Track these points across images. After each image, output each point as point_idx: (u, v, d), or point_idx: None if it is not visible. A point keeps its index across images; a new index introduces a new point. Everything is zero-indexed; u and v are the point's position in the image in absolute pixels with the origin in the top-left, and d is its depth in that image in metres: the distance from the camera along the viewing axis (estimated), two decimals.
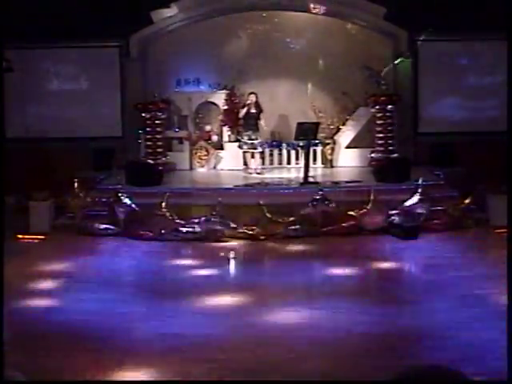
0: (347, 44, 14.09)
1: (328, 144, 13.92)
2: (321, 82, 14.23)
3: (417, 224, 10.27)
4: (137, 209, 10.55)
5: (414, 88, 14.16)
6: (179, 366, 5.67)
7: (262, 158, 13.65)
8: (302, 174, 12.03)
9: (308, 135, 12.29)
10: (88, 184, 11.67)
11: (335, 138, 14.07)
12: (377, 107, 13.69)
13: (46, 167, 13.21)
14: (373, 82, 13.85)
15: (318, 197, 10.48)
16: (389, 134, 13.66)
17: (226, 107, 13.97)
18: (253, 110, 13.05)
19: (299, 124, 12.38)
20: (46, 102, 14.09)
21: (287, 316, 6.84)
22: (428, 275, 8.25)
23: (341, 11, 14.13)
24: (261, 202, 10.28)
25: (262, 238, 10.03)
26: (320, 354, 5.94)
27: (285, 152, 13.98)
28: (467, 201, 10.81)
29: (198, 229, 10.16)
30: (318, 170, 13.43)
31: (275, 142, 13.99)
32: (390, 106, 13.65)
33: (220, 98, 14.05)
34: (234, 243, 9.91)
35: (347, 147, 14.18)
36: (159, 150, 13.57)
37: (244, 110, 13.09)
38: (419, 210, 10.45)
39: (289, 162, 13.99)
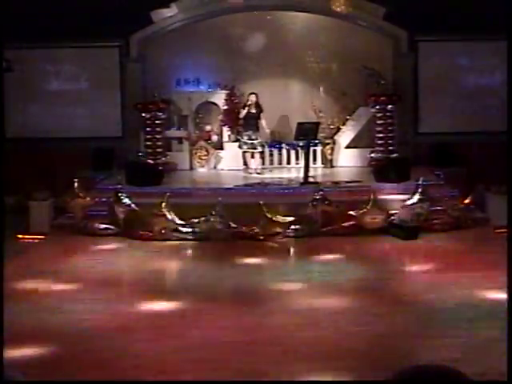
0: (347, 44, 14.09)
1: (328, 144, 13.91)
2: (321, 82, 14.23)
3: (417, 224, 10.27)
4: (137, 209, 10.55)
5: (413, 88, 14.15)
6: (179, 366, 5.67)
7: (262, 158, 13.65)
8: (302, 174, 12.03)
9: (308, 135, 12.29)
10: (88, 184, 11.67)
11: (335, 138, 14.07)
12: (377, 107, 13.69)
13: (46, 167, 13.21)
14: (373, 82, 13.86)
15: (318, 197, 10.48)
16: (389, 134, 13.67)
17: (226, 107, 13.97)
18: (253, 110, 13.06)
19: (299, 124, 12.38)
20: (46, 102, 14.08)
21: (287, 316, 6.84)
22: (428, 275, 8.25)
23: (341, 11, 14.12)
24: (261, 202, 10.27)
25: (262, 238, 10.03)
26: (320, 354, 5.94)
27: (285, 152, 13.98)
28: (467, 201, 10.81)
29: (197, 229, 10.16)
30: (318, 170, 13.43)
31: (275, 142, 14.00)
32: (390, 106, 13.65)
33: (220, 98, 14.05)
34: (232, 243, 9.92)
35: (347, 147, 14.18)
36: (159, 149, 13.59)
37: (244, 111, 13.09)
38: (419, 210, 10.45)
39: (289, 162, 13.99)
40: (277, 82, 14.12)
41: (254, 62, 14.15)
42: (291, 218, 10.24)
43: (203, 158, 13.97)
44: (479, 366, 5.29)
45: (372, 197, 10.48)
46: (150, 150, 13.52)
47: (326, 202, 10.45)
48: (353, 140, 14.19)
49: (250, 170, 13.25)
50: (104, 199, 10.99)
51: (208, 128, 14.18)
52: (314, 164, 13.53)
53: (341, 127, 14.19)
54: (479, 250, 9.44)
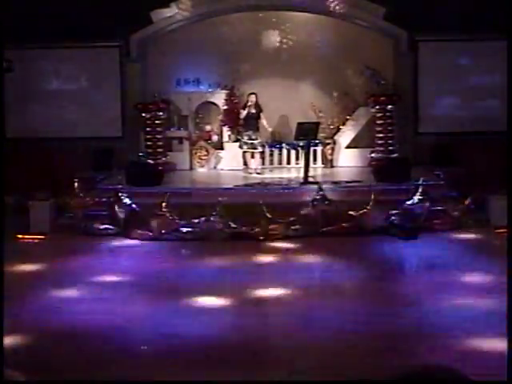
0: (347, 44, 14.09)
1: (328, 144, 13.92)
2: (321, 81, 14.24)
3: (417, 224, 10.26)
4: (137, 209, 10.55)
5: (413, 88, 14.15)
6: (179, 366, 5.67)
7: (262, 158, 13.65)
8: (302, 174, 12.03)
9: (308, 135, 12.29)
10: (88, 184, 11.67)
11: (335, 138, 14.07)
12: (377, 107, 13.70)
13: (46, 167, 13.21)
14: (373, 82, 13.86)
15: (318, 197, 10.48)
16: (389, 134, 13.67)
17: (226, 107, 13.97)
18: (253, 111, 13.06)
19: (299, 124, 12.38)
20: (46, 102, 14.08)
21: (287, 316, 6.84)
22: (428, 275, 8.25)
23: (341, 11, 14.12)
24: (261, 202, 10.27)
25: (262, 238, 10.03)
26: (320, 354, 5.94)
27: (285, 152, 13.98)
28: (467, 201, 10.81)
29: (197, 229, 10.16)
30: (318, 170, 13.43)
31: (275, 142, 14.00)
32: (390, 106, 13.66)
33: (220, 98, 14.05)
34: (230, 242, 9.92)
35: (347, 147, 14.18)
36: (159, 149, 13.59)
37: (245, 112, 13.10)
38: (419, 210, 10.45)
39: (289, 162, 14.00)
40: (277, 82, 14.12)
41: (254, 62, 14.15)
42: (291, 218, 10.24)
43: (203, 157, 13.98)
44: (479, 366, 5.29)
45: (372, 197, 10.48)
46: (150, 150, 13.53)
47: (326, 202, 10.45)
48: (353, 140, 14.19)
49: (250, 170, 13.26)
50: (104, 199, 11.00)
51: (208, 128, 14.18)
52: (314, 164, 13.54)
53: (341, 127, 14.19)
54: (479, 250, 9.44)
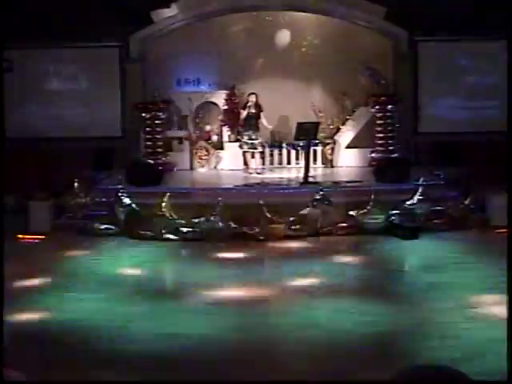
0: (347, 44, 14.09)
1: (328, 144, 13.92)
2: (321, 82, 14.24)
3: (417, 224, 10.27)
4: (137, 209, 10.56)
5: (413, 88, 14.16)
6: (179, 366, 5.67)
7: (262, 157, 13.66)
8: (302, 174, 12.03)
9: (308, 135, 12.29)
10: (88, 184, 11.67)
11: (335, 138, 14.07)
12: (377, 107, 13.70)
13: (46, 167, 13.21)
14: (373, 82, 13.86)
15: (318, 197, 10.48)
16: (389, 134, 13.68)
17: (226, 107, 13.97)
18: (253, 110, 13.07)
19: (299, 124, 12.38)
20: (46, 102, 14.08)
21: (287, 316, 6.84)
22: (428, 275, 8.24)
23: (341, 11, 14.12)
24: (261, 202, 10.27)
25: (262, 238, 10.03)
26: (320, 354, 5.94)
27: (285, 152, 13.99)
28: (467, 201, 10.81)
29: (197, 229, 10.16)
30: (318, 170, 13.43)
31: (276, 142, 14.00)
32: (390, 106, 13.66)
33: (220, 98, 14.05)
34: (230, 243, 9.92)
35: (347, 147, 14.19)
36: (159, 149, 13.59)
37: (245, 112, 13.11)
38: (419, 210, 10.45)
39: (289, 162, 14.00)
40: (277, 82, 14.12)
41: (254, 62, 14.15)
42: (291, 218, 10.24)
43: (203, 157, 13.98)
44: (479, 366, 5.29)
45: (372, 197, 10.48)
46: (150, 150, 13.53)
47: (326, 202, 10.45)
48: (353, 140, 14.19)
49: (250, 170, 13.26)
50: (104, 199, 11.00)
51: (208, 128, 14.18)
52: (314, 164, 13.54)
53: (341, 127, 14.19)
54: (479, 250, 9.44)
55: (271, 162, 13.94)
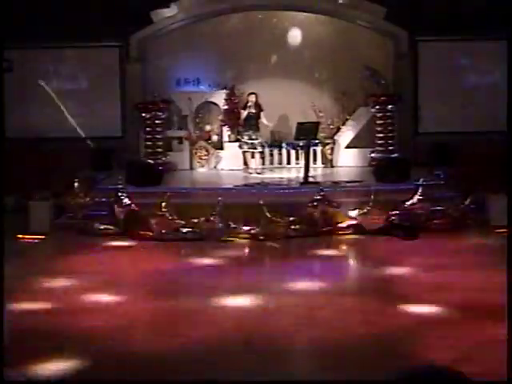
0: (347, 44, 14.10)
1: (328, 144, 13.92)
2: (321, 81, 14.24)
3: (417, 224, 10.26)
4: (137, 209, 10.55)
5: (414, 88, 14.16)
6: (179, 366, 5.67)
7: (262, 157, 13.66)
8: (302, 174, 12.03)
9: (308, 135, 12.29)
10: (88, 184, 11.67)
11: (335, 137, 14.07)
12: (377, 107, 13.70)
13: (46, 167, 13.20)
14: (373, 82, 13.86)
15: (318, 197, 10.48)
16: (389, 134, 13.68)
17: (226, 107, 13.97)
18: (253, 110, 13.07)
19: (299, 124, 12.38)
20: (46, 102, 14.08)
21: (286, 316, 6.84)
22: (428, 275, 8.25)
23: (341, 11, 14.13)
24: (261, 202, 10.28)
25: (262, 238, 10.03)
26: (320, 354, 5.94)
27: (285, 152, 13.99)
28: (467, 201, 10.81)
29: (197, 229, 10.16)
30: (318, 170, 13.43)
31: (276, 142, 14.00)
32: (390, 106, 13.66)
33: (220, 98, 14.05)
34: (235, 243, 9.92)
35: (347, 147, 14.19)
36: (159, 149, 13.59)
37: (245, 112, 13.12)
38: (419, 210, 10.45)
39: (289, 162, 14.00)
40: (277, 81, 14.11)
41: (254, 62, 14.15)
42: (291, 218, 10.24)
43: (203, 157, 13.98)
44: (479, 365, 5.28)
45: (372, 197, 10.48)
46: (150, 150, 13.53)
47: (326, 202, 10.45)
48: (353, 140, 14.19)
49: (250, 170, 13.27)
50: (104, 199, 11.00)
51: (208, 128, 14.18)
52: (314, 164, 13.54)
53: (341, 127, 14.19)
54: (479, 250, 9.44)
55: (271, 162, 13.94)
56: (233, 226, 10.13)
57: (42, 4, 13.12)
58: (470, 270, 8.29)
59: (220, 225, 10.12)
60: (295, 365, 5.82)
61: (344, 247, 9.85)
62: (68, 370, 5.56)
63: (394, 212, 10.40)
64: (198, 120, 14.24)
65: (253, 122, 13.15)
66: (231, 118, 13.86)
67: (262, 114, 13.13)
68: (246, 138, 13.18)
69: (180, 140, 14.15)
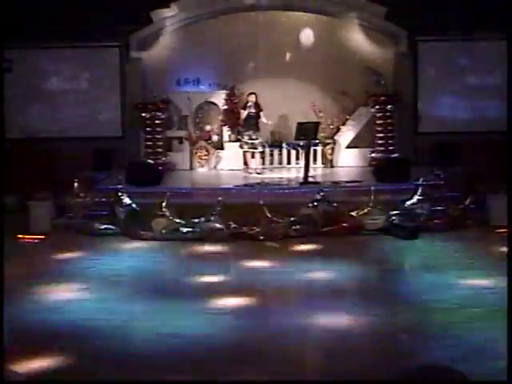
0: (347, 44, 14.10)
1: (328, 144, 13.93)
2: (321, 82, 14.24)
3: (417, 224, 10.26)
4: (137, 209, 10.56)
5: (413, 88, 14.16)
6: (178, 366, 5.67)
7: (262, 157, 13.66)
8: (302, 174, 12.03)
9: (308, 135, 12.30)
10: (88, 184, 11.67)
11: (335, 137, 14.08)
12: (377, 107, 13.71)
13: (45, 167, 13.21)
14: (373, 82, 13.86)
15: (318, 197, 10.48)
16: (389, 134, 13.69)
17: (226, 107, 13.98)
18: (253, 110, 13.08)
19: (299, 124, 12.39)
20: (46, 102, 14.09)
21: (287, 316, 6.84)
22: (428, 275, 8.24)
23: (341, 11, 14.13)
24: (261, 202, 10.27)
25: (262, 238, 10.03)
26: (320, 354, 5.94)
27: (285, 152, 13.99)
28: (467, 201, 10.81)
29: (197, 229, 10.16)
30: (318, 170, 13.44)
31: (276, 142, 14.01)
32: (389, 106, 13.67)
33: (220, 98, 14.06)
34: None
35: (347, 147, 14.20)
36: (159, 149, 13.59)
37: (245, 112, 13.12)
38: (419, 210, 10.45)
39: (289, 162, 14.01)
40: (277, 81, 14.12)
41: (254, 62, 14.15)
42: (291, 218, 10.24)
43: (203, 157, 13.98)
44: (479, 366, 5.28)
45: (372, 197, 10.48)
46: (150, 150, 13.53)
47: (326, 202, 10.45)
48: (353, 140, 14.20)
49: (250, 170, 13.27)
50: (104, 199, 11.00)
51: (208, 128, 14.19)
52: (314, 164, 13.55)
53: (341, 127, 14.20)
54: (479, 250, 9.43)
55: (271, 162, 13.95)
56: (233, 225, 10.13)
57: (42, 4, 13.12)
58: (469, 270, 8.28)
59: (220, 225, 10.12)
60: (295, 365, 5.81)
61: (344, 247, 9.84)
62: (66, 369, 5.57)
63: (394, 212, 10.40)
64: (197, 120, 14.25)
65: (253, 122, 13.15)
66: (231, 117, 13.87)
67: (261, 113, 13.14)
68: (246, 138, 13.19)
69: (180, 140, 14.16)
